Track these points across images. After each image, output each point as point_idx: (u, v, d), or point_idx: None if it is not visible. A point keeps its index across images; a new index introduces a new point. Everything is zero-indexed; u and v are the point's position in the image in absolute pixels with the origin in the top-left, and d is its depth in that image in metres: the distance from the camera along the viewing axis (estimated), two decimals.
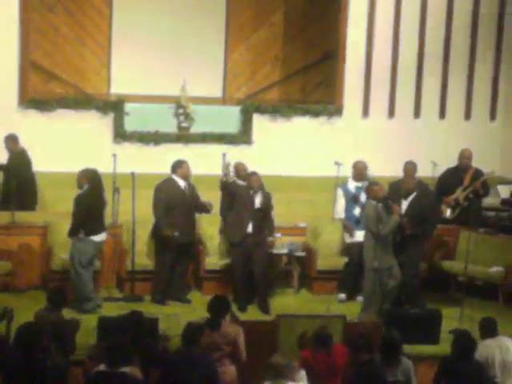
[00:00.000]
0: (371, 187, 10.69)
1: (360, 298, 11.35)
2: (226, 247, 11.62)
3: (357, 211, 11.54)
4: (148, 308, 10.43)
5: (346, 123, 14.66)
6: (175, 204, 11.04)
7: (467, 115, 15.21)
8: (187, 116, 14.10)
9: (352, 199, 11.58)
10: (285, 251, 11.65)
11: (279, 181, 13.06)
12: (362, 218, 11.30)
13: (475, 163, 12.75)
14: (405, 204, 10.92)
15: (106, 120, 13.87)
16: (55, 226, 11.34)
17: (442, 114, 15.12)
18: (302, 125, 14.56)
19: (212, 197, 11.64)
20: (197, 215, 11.49)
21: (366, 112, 14.84)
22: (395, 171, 12.33)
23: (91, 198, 10.58)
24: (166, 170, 11.37)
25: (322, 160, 13.64)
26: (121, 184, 11.59)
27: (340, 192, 11.67)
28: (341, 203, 11.63)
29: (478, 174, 12.54)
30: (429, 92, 14.98)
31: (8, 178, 12.06)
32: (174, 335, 8.79)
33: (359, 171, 11.64)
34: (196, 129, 14.14)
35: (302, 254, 11.77)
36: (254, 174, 11.21)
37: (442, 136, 14.80)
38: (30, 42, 13.72)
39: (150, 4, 14.49)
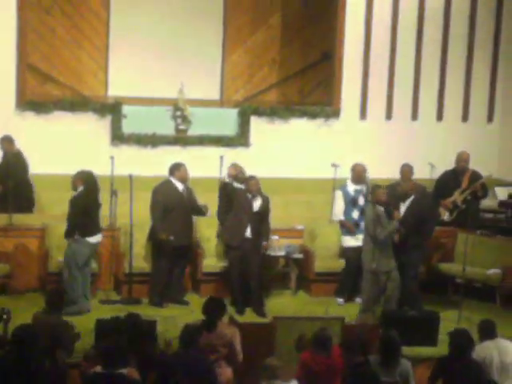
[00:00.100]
0: (375, 190, 10.72)
1: (358, 300, 11.35)
2: (223, 250, 11.61)
3: (355, 214, 11.54)
4: (145, 310, 10.43)
5: (343, 125, 14.66)
6: (173, 206, 11.03)
7: (465, 117, 15.22)
8: (185, 118, 14.10)
9: (351, 202, 11.57)
10: (282, 253, 11.65)
11: (276, 183, 13.05)
12: (360, 221, 11.34)
13: (473, 165, 12.76)
14: (403, 207, 10.90)
15: (103, 122, 13.87)
16: (53, 228, 11.33)
17: (440, 116, 15.13)
18: (299, 127, 14.56)
19: (209, 199, 11.63)
20: (194, 218, 11.48)
21: (363, 114, 14.84)
22: (393, 173, 12.36)
23: (86, 200, 10.59)
24: (163, 172, 11.36)
25: (319, 162, 13.63)
26: (118, 186, 11.60)
27: (339, 194, 11.64)
28: (340, 205, 11.59)
29: (475, 176, 12.55)
30: (426, 94, 14.99)
31: (3, 179, 12.04)
32: (172, 337, 8.78)
33: (358, 174, 11.63)
34: (194, 131, 14.13)
35: (299, 256, 11.76)
36: (252, 177, 11.18)
37: (439, 138, 14.80)
38: (28, 44, 13.71)
39: (147, 6, 14.48)
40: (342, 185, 11.82)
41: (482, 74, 15.16)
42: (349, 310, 10.78)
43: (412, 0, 14.78)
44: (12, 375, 7.16)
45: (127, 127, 13.89)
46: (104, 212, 11.62)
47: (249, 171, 11.56)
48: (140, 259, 11.44)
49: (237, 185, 11.33)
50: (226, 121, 14.33)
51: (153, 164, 12.92)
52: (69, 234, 10.60)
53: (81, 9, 14.36)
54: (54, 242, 11.26)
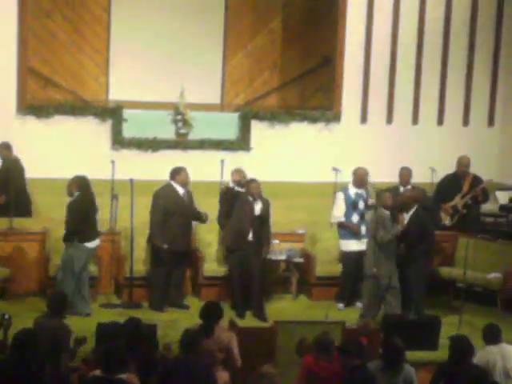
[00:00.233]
0: (381, 194, 10.75)
1: (359, 305, 11.35)
2: (223, 254, 11.60)
3: (355, 218, 11.51)
4: (146, 314, 10.43)
5: (344, 129, 14.66)
6: (173, 210, 11.02)
7: (465, 121, 15.23)
8: (185, 122, 14.10)
9: (351, 205, 11.55)
10: (283, 257, 11.64)
11: (277, 187, 13.04)
12: (360, 226, 11.34)
13: (473, 169, 12.75)
14: (406, 217, 10.87)
15: (104, 126, 13.87)
16: (53, 233, 11.32)
17: (441, 120, 15.13)
18: (300, 131, 14.56)
19: (210, 203, 11.63)
20: (194, 222, 11.49)
21: (364, 118, 14.85)
22: (393, 177, 12.35)
23: (83, 205, 10.62)
24: (164, 176, 11.35)
25: (320, 166, 13.64)
26: (119, 190, 11.60)
27: (341, 195, 11.58)
28: (341, 207, 11.54)
29: (476, 180, 12.54)
30: (427, 98, 14.99)
31: (4, 186, 12.04)
32: (172, 341, 8.77)
33: (360, 177, 11.60)
34: (194, 135, 14.14)
35: (300, 260, 11.75)
36: (252, 181, 11.18)
37: (440, 142, 14.81)
38: (29, 48, 13.72)
39: (148, 11, 14.48)
40: (343, 187, 11.81)
41: (483, 79, 15.17)
42: (349, 315, 10.77)
43: (413, 5, 14.79)
44: (13, 379, 7.14)
45: (128, 131, 13.90)
46: (105, 216, 11.62)
47: (249, 175, 11.56)
48: (140, 263, 11.43)
49: (239, 189, 11.33)
50: (226, 125, 14.34)
51: (153, 168, 12.92)
52: (67, 239, 10.63)
53: (82, 13, 14.37)
54: (54, 246, 11.26)
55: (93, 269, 11.25)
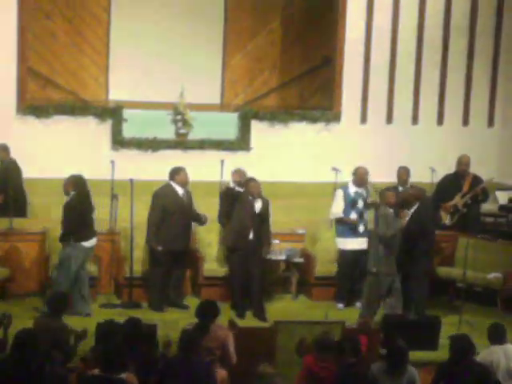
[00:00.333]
0: (385, 192, 10.81)
1: (358, 305, 11.35)
2: (223, 254, 11.60)
3: (353, 216, 11.51)
4: (146, 314, 10.43)
5: (343, 129, 14.67)
6: (173, 210, 11.03)
7: (465, 121, 15.22)
8: (185, 122, 14.10)
9: (350, 204, 11.55)
10: (283, 257, 11.64)
11: (277, 187, 13.05)
12: (358, 225, 11.34)
13: (473, 169, 12.75)
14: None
15: (104, 126, 13.87)
16: (53, 233, 11.31)
17: (440, 120, 15.13)
18: (300, 131, 14.56)
19: (209, 203, 11.64)
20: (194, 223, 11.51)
21: (364, 118, 14.84)
22: (393, 177, 12.35)
23: (79, 205, 10.61)
24: (164, 176, 11.35)
25: (320, 166, 13.64)
26: (119, 190, 11.61)
27: (340, 193, 11.60)
28: (339, 204, 11.53)
29: (476, 180, 12.55)
30: (427, 98, 14.99)
31: (3, 186, 12.05)
32: (171, 338, 8.77)
33: (360, 176, 11.61)
34: (194, 135, 14.14)
35: (300, 260, 11.76)
36: (251, 180, 11.19)
37: (440, 142, 14.80)
38: (28, 48, 13.72)
39: (147, 10, 14.48)
40: (343, 185, 11.82)
41: (483, 79, 15.17)
42: (349, 315, 10.76)
43: (412, 5, 14.79)
44: (12, 379, 7.15)
45: (128, 131, 13.90)
46: (104, 216, 11.64)
47: (249, 175, 11.56)
48: (140, 263, 11.43)
49: (240, 190, 11.33)
50: (226, 125, 14.34)
51: (153, 168, 12.90)
52: (63, 239, 10.62)
53: (81, 13, 14.36)
54: (53, 246, 11.25)
55: (93, 269, 11.25)
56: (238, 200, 11.06)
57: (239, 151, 14.18)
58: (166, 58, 14.45)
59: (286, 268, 11.91)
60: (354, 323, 10.16)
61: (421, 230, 10.68)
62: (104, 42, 14.47)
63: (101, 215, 11.75)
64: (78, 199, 10.63)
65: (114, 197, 11.55)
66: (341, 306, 11.50)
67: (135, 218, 11.25)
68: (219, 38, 14.94)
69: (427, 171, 12.96)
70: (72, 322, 9.25)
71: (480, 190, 12.39)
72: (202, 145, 14.11)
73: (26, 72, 13.72)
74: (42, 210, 12.81)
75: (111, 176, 11.90)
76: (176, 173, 11.22)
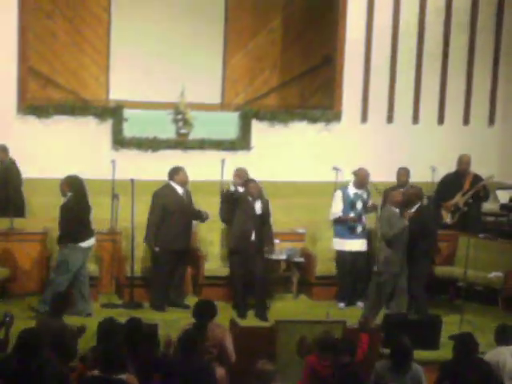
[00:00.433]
0: (390, 192, 10.85)
1: (360, 304, 11.36)
2: (225, 254, 11.60)
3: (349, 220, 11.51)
4: (147, 314, 10.43)
5: (344, 128, 14.66)
6: (173, 210, 11.04)
7: (466, 120, 15.22)
8: (186, 122, 14.10)
9: (349, 205, 11.55)
10: (283, 257, 11.65)
11: (278, 186, 13.05)
12: (356, 226, 11.35)
13: (474, 168, 12.77)
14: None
15: (104, 126, 13.87)
16: (53, 233, 11.30)
17: (441, 119, 15.12)
18: (300, 130, 14.55)
19: (210, 203, 11.65)
20: (195, 222, 11.50)
21: (364, 117, 14.84)
22: (394, 177, 12.35)
23: (76, 206, 10.60)
24: (164, 176, 11.36)
25: (320, 165, 13.62)
26: (120, 190, 11.61)
27: (339, 193, 11.62)
28: (338, 205, 11.54)
29: (477, 179, 12.57)
30: (427, 97, 14.98)
31: (3, 186, 12.06)
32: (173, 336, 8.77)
33: (361, 178, 11.60)
34: (195, 135, 14.14)
35: (300, 259, 11.76)
36: (251, 181, 11.19)
37: (440, 141, 14.80)
38: (29, 48, 13.71)
39: (148, 10, 14.46)
40: (343, 186, 11.82)
41: (483, 77, 15.16)
42: (350, 314, 10.76)
43: (413, 3, 14.78)
44: (14, 378, 7.15)
45: (128, 131, 13.90)
46: (105, 216, 11.65)
47: (250, 175, 11.56)
48: (141, 263, 11.43)
49: (240, 191, 11.33)
50: (226, 124, 14.34)
51: (154, 168, 12.89)
52: (61, 240, 10.61)
53: (82, 12, 14.34)
54: (54, 246, 11.24)
55: (93, 268, 11.26)
56: (238, 203, 11.03)
57: (240, 151, 14.18)
58: (167, 58, 14.43)
59: (286, 268, 11.91)
60: (355, 323, 10.18)
61: (421, 230, 10.68)
62: (104, 42, 14.45)
63: (102, 215, 11.78)
64: (75, 200, 10.61)
65: (114, 196, 11.56)
66: (342, 305, 11.50)
67: (136, 217, 11.25)
68: (220, 37, 14.92)
69: (428, 170, 12.95)
70: (73, 322, 9.25)
71: (481, 187, 12.42)
72: (203, 144, 14.10)
73: (27, 72, 13.71)
74: (42, 210, 12.81)
75: (112, 176, 11.91)
76: (175, 172, 11.23)
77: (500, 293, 11.57)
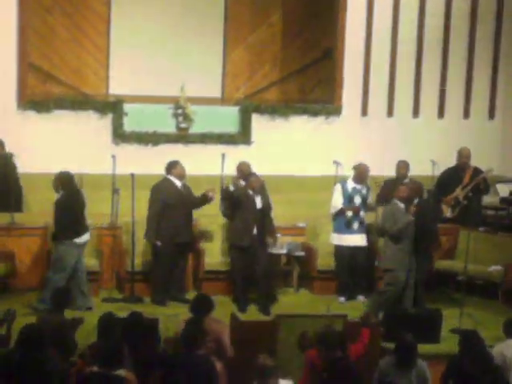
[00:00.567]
0: (397, 187, 10.83)
1: (361, 298, 11.37)
2: (225, 248, 11.61)
3: (349, 212, 11.51)
4: (148, 309, 10.44)
5: (344, 122, 14.66)
6: (173, 203, 11.05)
7: (466, 114, 15.21)
8: (186, 116, 14.10)
9: (347, 199, 11.55)
10: (284, 251, 11.66)
11: (278, 180, 13.04)
12: (353, 221, 11.35)
13: (474, 162, 12.77)
14: None
15: (104, 121, 13.87)
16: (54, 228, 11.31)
17: (441, 112, 15.12)
18: (300, 124, 14.56)
19: None
20: (196, 216, 11.50)
21: (364, 111, 14.84)
22: (394, 171, 12.34)
23: (69, 203, 10.58)
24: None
25: (320, 160, 13.63)
26: (120, 185, 11.61)
27: (338, 187, 11.61)
28: (338, 199, 11.52)
29: (477, 172, 12.58)
30: (428, 91, 14.98)
31: (2, 180, 12.08)
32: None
33: (361, 173, 11.59)
34: (195, 129, 14.14)
35: (301, 253, 11.77)
36: (252, 175, 11.20)
37: (441, 135, 14.80)
38: (28, 43, 13.71)
39: (148, 5, 14.46)
40: (342, 180, 11.82)
41: (484, 71, 15.16)
42: (351, 308, 10.76)
43: None
44: (16, 373, 7.17)
45: (128, 125, 13.90)
46: (106, 210, 11.66)
47: (252, 169, 11.58)
48: (142, 257, 11.44)
49: (242, 183, 11.33)
50: (227, 119, 14.34)
51: (154, 162, 12.85)
52: (56, 237, 10.61)
53: (81, 7, 14.33)
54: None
55: (94, 263, 11.27)
56: (238, 200, 11.01)
57: (240, 145, 14.18)
58: (167, 52, 14.43)
59: (287, 262, 11.92)
60: (356, 317, 10.19)
61: (421, 225, 10.66)
62: (104, 36, 14.44)
63: (102, 209, 11.79)
64: (68, 196, 10.60)
65: (115, 191, 11.56)
66: (342, 299, 11.51)
67: (137, 212, 11.25)
68: (220, 31, 14.91)
69: (428, 164, 12.94)
70: (73, 315, 9.27)
71: (481, 179, 12.43)
72: (203, 139, 14.11)
73: (27, 67, 13.71)
74: (43, 204, 12.78)
75: (112, 170, 11.91)
76: (172, 166, 11.25)
77: (500, 286, 11.58)
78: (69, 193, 10.61)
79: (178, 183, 11.21)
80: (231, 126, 14.32)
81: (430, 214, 10.92)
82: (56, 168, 12.61)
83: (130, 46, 14.32)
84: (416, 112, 15.03)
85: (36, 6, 13.93)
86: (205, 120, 14.17)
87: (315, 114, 14.61)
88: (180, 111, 14.09)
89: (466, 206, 12.40)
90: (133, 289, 11.19)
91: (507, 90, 15.24)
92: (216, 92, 14.90)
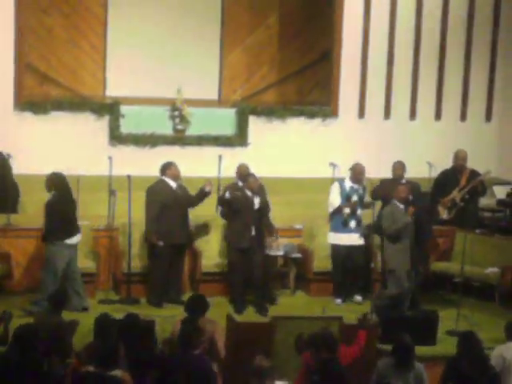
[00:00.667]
0: (396, 187, 10.78)
1: (357, 297, 11.37)
2: (222, 249, 11.61)
3: (346, 211, 11.52)
4: (144, 310, 10.43)
5: (341, 124, 14.66)
6: (169, 205, 11.05)
7: (463, 116, 15.23)
8: (183, 118, 14.10)
9: (344, 198, 11.56)
10: (281, 253, 11.65)
11: (274, 182, 13.02)
12: (350, 220, 11.35)
13: (471, 164, 12.78)
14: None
15: (101, 122, 13.86)
16: None
17: (438, 115, 15.13)
18: (297, 126, 14.56)
19: (207, 199, 11.61)
20: (192, 217, 11.49)
21: (361, 113, 14.84)
22: (390, 172, 12.34)
23: (60, 204, 10.56)
24: None
25: (317, 161, 13.63)
26: (117, 186, 11.60)
27: (336, 186, 11.60)
28: (337, 197, 11.51)
29: (473, 174, 12.58)
30: (424, 93, 14.99)
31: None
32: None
33: (357, 173, 11.60)
34: (192, 131, 14.14)
35: (298, 255, 11.77)
36: (250, 175, 11.22)
37: (437, 137, 14.81)
38: (25, 44, 13.70)
39: (145, 6, 14.46)
40: (340, 179, 11.83)
41: (481, 73, 15.17)
42: (347, 310, 10.76)
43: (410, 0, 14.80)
44: (11, 374, 7.16)
45: (125, 127, 13.89)
46: (102, 212, 11.65)
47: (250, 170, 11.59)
48: (139, 259, 11.44)
49: (240, 184, 11.33)
50: (224, 120, 14.34)
51: (151, 164, 12.82)
52: (46, 238, 10.59)
53: (78, 9, 14.33)
54: None
55: (91, 265, 11.26)
56: (236, 202, 11.00)
57: (237, 147, 14.18)
58: (164, 54, 14.43)
59: (283, 263, 11.92)
60: (352, 318, 10.19)
61: (415, 226, 10.65)
62: (101, 38, 14.44)
63: (99, 211, 11.79)
64: (59, 197, 10.58)
65: (111, 193, 11.54)
66: (339, 301, 11.50)
67: (133, 213, 11.25)
68: (217, 33, 14.92)
69: (425, 166, 12.95)
70: (69, 317, 9.26)
71: (478, 182, 12.44)
72: (200, 140, 14.10)
73: (24, 68, 13.70)
74: (39, 206, 12.74)
75: (109, 172, 11.90)
76: (167, 168, 11.26)
77: (496, 288, 11.58)
78: (60, 193, 10.60)
79: (173, 184, 11.21)
80: (228, 128, 14.32)
81: (425, 216, 10.92)
82: (53, 169, 12.64)
83: (127, 48, 14.32)
84: (413, 114, 15.04)
85: (33, 8, 13.92)
86: (202, 122, 14.17)
87: (312, 115, 14.61)
88: (177, 113, 14.09)
89: (463, 207, 12.42)
90: (129, 290, 11.19)
91: (504, 93, 15.26)
92: (213, 94, 14.90)
